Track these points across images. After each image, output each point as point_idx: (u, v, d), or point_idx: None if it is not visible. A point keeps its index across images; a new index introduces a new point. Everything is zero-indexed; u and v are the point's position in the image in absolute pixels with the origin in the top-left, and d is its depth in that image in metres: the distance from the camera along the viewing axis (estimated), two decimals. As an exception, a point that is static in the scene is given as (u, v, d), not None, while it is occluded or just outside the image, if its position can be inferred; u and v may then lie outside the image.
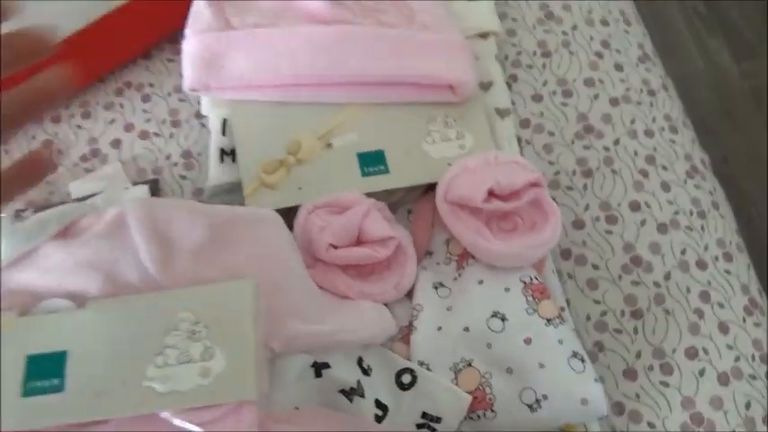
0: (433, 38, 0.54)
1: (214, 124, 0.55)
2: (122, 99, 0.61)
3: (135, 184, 0.57)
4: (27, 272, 0.37)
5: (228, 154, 0.55)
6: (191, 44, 0.52)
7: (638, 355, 0.49)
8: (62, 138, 0.60)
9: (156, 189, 0.57)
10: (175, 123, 0.60)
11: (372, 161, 0.52)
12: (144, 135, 0.60)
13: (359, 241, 0.48)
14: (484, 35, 0.58)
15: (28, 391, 0.34)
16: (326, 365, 0.39)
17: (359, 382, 0.40)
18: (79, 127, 0.61)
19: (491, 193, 0.47)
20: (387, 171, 0.51)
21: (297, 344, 0.37)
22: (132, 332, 0.35)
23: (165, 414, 0.33)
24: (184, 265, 0.37)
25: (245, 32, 0.52)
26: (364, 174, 0.51)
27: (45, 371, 0.34)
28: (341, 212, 0.49)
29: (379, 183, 0.51)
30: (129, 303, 0.36)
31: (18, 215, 0.56)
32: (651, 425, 0.47)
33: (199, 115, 0.60)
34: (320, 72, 0.53)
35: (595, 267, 0.52)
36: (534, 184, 0.48)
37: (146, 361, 0.34)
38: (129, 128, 0.60)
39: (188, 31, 0.53)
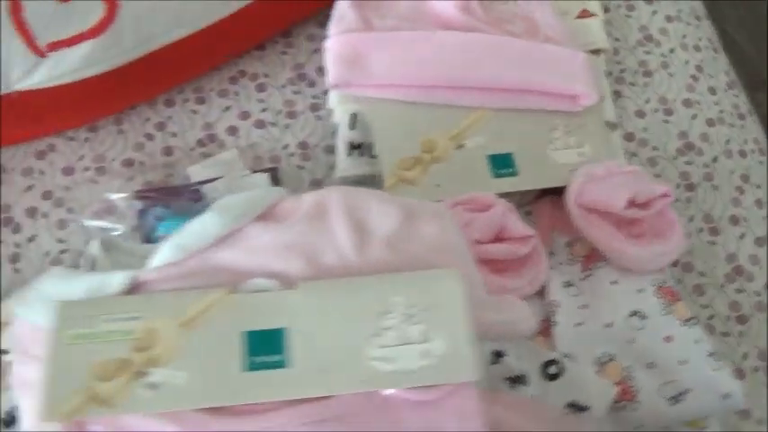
0: (559, 50, 0.56)
1: (342, 119, 0.56)
2: (237, 87, 0.62)
3: (254, 171, 0.59)
4: (232, 251, 0.37)
5: (356, 147, 0.56)
6: (335, 43, 0.54)
7: (745, 357, 0.53)
8: (176, 121, 0.61)
9: (275, 178, 0.58)
10: (291, 114, 0.61)
11: (502, 163, 0.54)
12: (260, 124, 0.61)
13: (497, 238, 0.51)
14: (595, 51, 0.61)
15: (251, 366, 0.34)
16: (503, 353, 0.41)
17: (528, 371, 0.42)
18: (194, 112, 0.61)
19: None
20: (516, 173, 0.54)
21: (487, 331, 0.39)
22: (348, 314, 0.36)
23: (388, 392, 0.35)
24: (377, 251, 0.38)
25: (387, 34, 0.54)
26: (495, 175, 0.54)
27: (266, 347, 0.35)
28: (478, 210, 0.51)
29: (509, 184, 0.54)
30: (340, 286, 0.37)
31: (139, 195, 0.56)
32: (759, 421, 0.51)
33: (314, 108, 0.61)
34: (455, 76, 0.55)
35: (701, 274, 0.55)
36: (664, 195, 0.51)
37: (365, 341, 0.35)
38: (244, 116, 0.61)
39: (332, 31, 0.54)
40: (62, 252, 0.54)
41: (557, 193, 0.55)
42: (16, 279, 0.54)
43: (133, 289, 0.37)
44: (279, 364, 0.34)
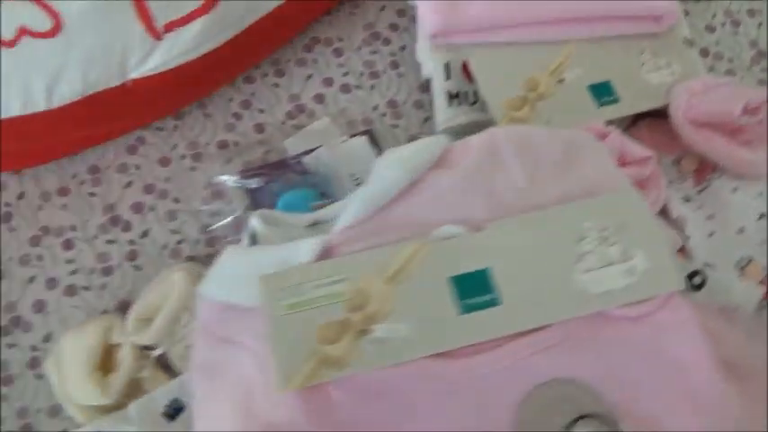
0: (637, -30, 0.57)
1: (436, 69, 0.56)
2: (314, 55, 0.61)
3: (351, 136, 0.58)
4: (414, 202, 0.38)
5: (455, 97, 0.56)
6: (430, -6, 0.53)
7: None
8: (260, 97, 0.59)
9: (373, 139, 0.58)
10: (373, 75, 0.60)
11: (603, 92, 0.55)
12: (345, 88, 0.60)
13: (619, 164, 0.52)
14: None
15: (465, 309, 0.35)
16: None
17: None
18: (276, 85, 0.60)
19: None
20: (617, 100, 0.55)
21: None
22: (544, 245, 0.36)
23: (601, 312, 0.36)
24: (548, 181, 0.39)
25: (478, -22, 0.53)
26: (599, 104, 0.54)
27: (475, 289, 0.35)
28: (596, 140, 0.52)
29: (614, 111, 0.54)
30: (529, 221, 0.37)
31: (246, 175, 0.55)
32: None
33: (394, 65, 0.61)
34: (544, 11, 0.55)
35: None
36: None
37: (569, 268, 0.36)
38: (328, 83, 0.60)
39: (428, -19, 0.54)
40: (179, 242, 0.54)
41: (648, 116, 0.57)
42: (138, 277, 0.53)
43: (323, 254, 0.37)
44: (491, 303, 0.35)
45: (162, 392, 0.49)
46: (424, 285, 0.36)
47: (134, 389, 0.50)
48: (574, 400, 0.34)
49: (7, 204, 0.54)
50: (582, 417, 0.33)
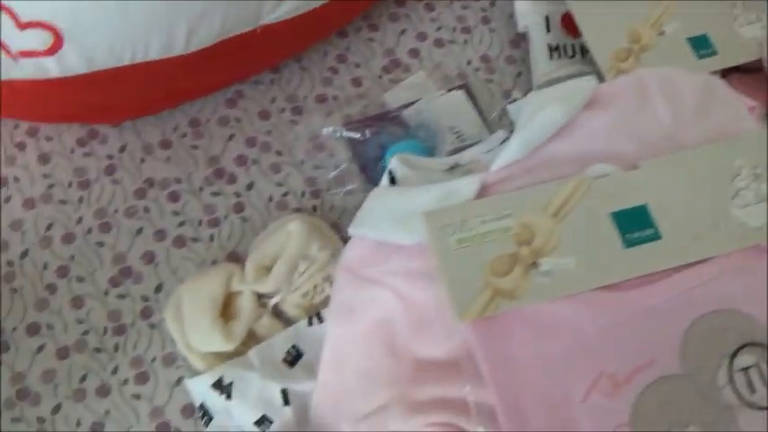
0: None
1: (536, 22, 0.56)
2: (406, 10, 0.61)
3: (449, 90, 0.58)
4: (568, 141, 0.38)
5: (555, 49, 0.57)
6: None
7: None
8: (355, 51, 0.59)
9: (470, 94, 0.58)
10: (465, 30, 0.60)
11: (702, 44, 0.55)
12: (439, 43, 0.60)
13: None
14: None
15: (628, 243, 0.36)
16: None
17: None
18: (370, 40, 0.59)
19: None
20: (715, 53, 0.55)
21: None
22: (700, 182, 0.37)
23: (758, 245, 0.36)
24: (690, 121, 0.40)
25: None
26: (698, 57, 0.55)
27: (635, 223, 0.36)
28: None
29: (713, 63, 0.55)
30: (683, 159, 0.38)
31: (349, 128, 0.55)
32: None
33: (485, 20, 0.61)
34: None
35: None
36: None
37: (726, 204, 0.37)
38: (421, 37, 0.60)
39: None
40: (284, 195, 0.54)
41: (737, 70, 0.58)
42: (246, 228, 0.53)
43: (480, 193, 0.37)
44: (653, 238, 0.36)
45: (280, 339, 0.50)
46: (586, 220, 0.37)
47: (249, 337, 0.51)
48: (736, 330, 0.35)
49: (109, 157, 0.54)
50: (744, 345, 0.35)
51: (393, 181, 0.42)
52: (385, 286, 0.39)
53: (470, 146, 0.45)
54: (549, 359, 0.34)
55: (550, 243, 0.35)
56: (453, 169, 0.42)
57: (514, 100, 0.54)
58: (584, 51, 0.56)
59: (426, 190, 0.39)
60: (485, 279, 0.34)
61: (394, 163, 0.42)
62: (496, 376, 0.33)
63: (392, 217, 0.38)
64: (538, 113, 0.39)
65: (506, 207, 0.36)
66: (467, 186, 0.38)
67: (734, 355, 0.34)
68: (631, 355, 0.34)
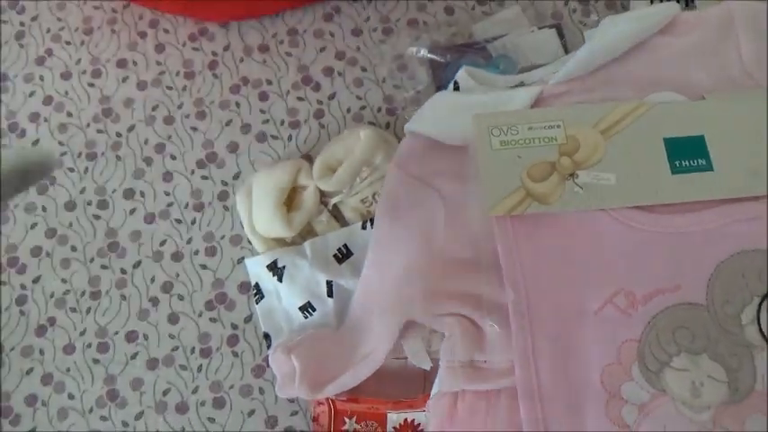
0: None
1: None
2: (508, -55, 0.61)
3: (540, 27, 0.58)
4: (636, 64, 0.38)
5: (656, -4, 0.55)
6: None
7: None
8: (452, -19, 0.61)
9: (560, 33, 0.57)
10: (566, -29, 0.60)
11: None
12: (539, -20, 0.60)
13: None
14: None
15: (676, 169, 0.35)
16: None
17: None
18: (469, -29, 0.61)
19: None
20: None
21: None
22: (761, 120, 0.36)
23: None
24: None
25: None
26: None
27: (688, 152, 0.35)
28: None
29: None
30: (751, 96, 0.36)
31: (434, 51, 0.57)
32: None
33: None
34: None
35: None
36: None
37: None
38: (519, -27, 0.60)
39: None
40: (362, 108, 0.56)
41: None
42: (323, 134, 0.56)
43: (537, 103, 0.38)
44: (704, 168, 0.35)
45: (334, 237, 0.53)
46: (636, 142, 0.36)
47: (308, 232, 0.54)
48: (773, 274, 0.33)
49: (214, 54, 0.59)
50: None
51: (457, 90, 0.43)
52: (431, 188, 0.40)
53: (539, 66, 0.44)
54: (569, 267, 0.34)
55: (594, 157, 0.35)
56: (517, 88, 0.42)
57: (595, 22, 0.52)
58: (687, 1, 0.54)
59: (484, 95, 0.39)
60: (520, 181, 0.35)
61: (461, 74, 0.43)
62: (513, 273, 0.34)
63: (447, 118, 0.39)
64: (607, 32, 0.38)
65: (556, 118, 0.36)
66: (523, 96, 0.38)
67: (765, 297, 0.33)
68: (655, 277, 0.33)
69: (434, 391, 0.38)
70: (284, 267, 0.51)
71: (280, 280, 0.51)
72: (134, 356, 0.51)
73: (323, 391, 0.42)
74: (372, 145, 0.51)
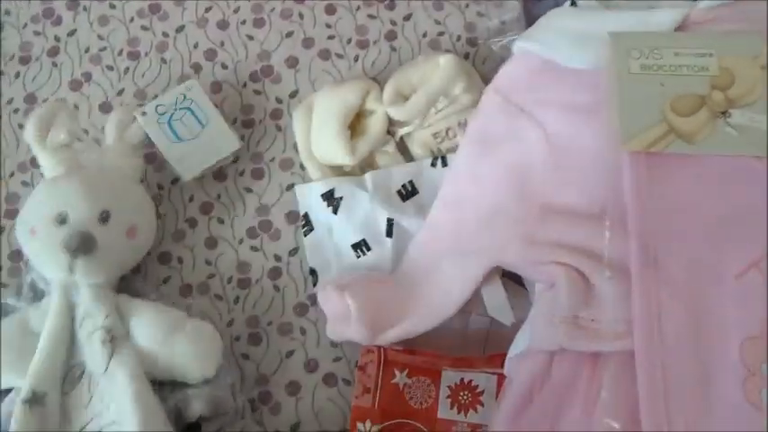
0: None
1: None
2: None
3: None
4: None
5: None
6: None
7: None
8: None
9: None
10: None
11: None
12: None
13: None
14: None
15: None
16: None
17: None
18: None
19: None
20: None
21: None
22: None
23: None
24: None
25: None
26: None
27: None
28: None
29: None
30: None
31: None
32: None
33: None
34: None
35: None
36: None
37: None
38: None
39: None
40: (440, 34, 0.49)
41: None
42: (393, 57, 0.50)
43: (682, 27, 0.32)
44: None
45: (399, 171, 0.47)
46: (803, 82, 0.31)
47: (368, 165, 0.49)
48: None
49: (278, -43, 0.53)
50: None
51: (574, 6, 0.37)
52: (533, 120, 0.35)
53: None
54: (709, 220, 0.29)
55: (751, 96, 0.30)
56: (654, 9, 0.36)
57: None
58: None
59: (618, 15, 0.34)
60: (662, 113, 0.30)
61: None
62: (641, 221, 0.29)
63: (570, 35, 0.33)
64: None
65: (709, 45, 0.31)
66: (667, 17, 0.32)
67: None
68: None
69: (517, 348, 0.33)
70: (341, 198, 0.46)
71: (335, 212, 0.46)
72: (166, 280, 0.47)
73: (382, 337, 0.37)
74: (453, 74, 0.45)
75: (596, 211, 0.31)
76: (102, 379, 0.40)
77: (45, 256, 0.42)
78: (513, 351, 0.34)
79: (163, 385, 0.40)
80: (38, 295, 0.43)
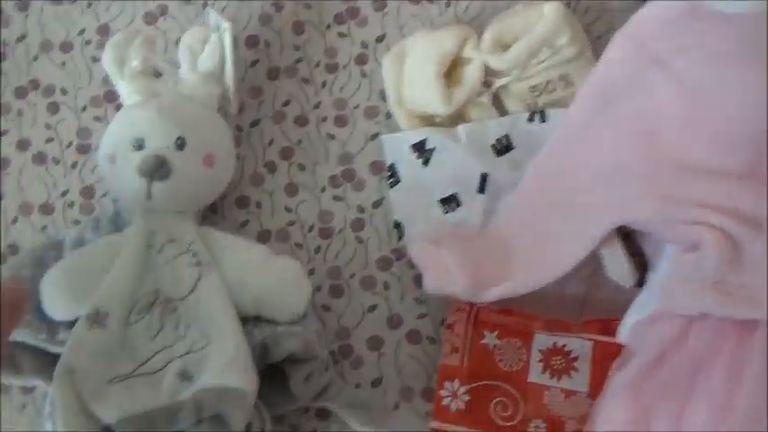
0: None
1: None
2: None
3: None
4: None
5: None
6: None
7: None
8: None
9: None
10: None
11: None
12: None
13: None
14: None
15: None
16: None
17: None
18: None
19: None
20: None
21: None
22: None
23: None
24: None
25: None
26: None
27: None
28: None
29: None
30: None
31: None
32: None
33: None
34: None
35: None
36: None
37: None
38: None
39: None
40: None
41: None
42: (487, 5, 0.47)
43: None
44: None
45: (495, 124, 0.45)
46: None
47: (459, 117, 0.46)
48: None
49: None
50: None
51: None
52: (668, 71, 0.32)
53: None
54: None
55: None
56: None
57: None
58: None
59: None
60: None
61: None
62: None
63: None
64: None
65: None
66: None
67: None
68: None
69: (641, 313, 0.32)
70: (433, 149, 0.44)
71: (425, 163, 0.44)
72: (244, 224, 0.45)
73: (485, 294, 0.36)
74: (558, 23, 0.42)
75: (745, 171, 0.29)
76: (181, 305, 0.39)
77: (124, 182, 0.41)
78: (634, 316, 0.32)
79: (246, 321, 0.39)
80: (117, 226, 0.42)
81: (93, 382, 0.37)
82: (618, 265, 0.33)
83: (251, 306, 0.39)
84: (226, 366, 0.37)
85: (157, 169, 0.40)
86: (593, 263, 0.35)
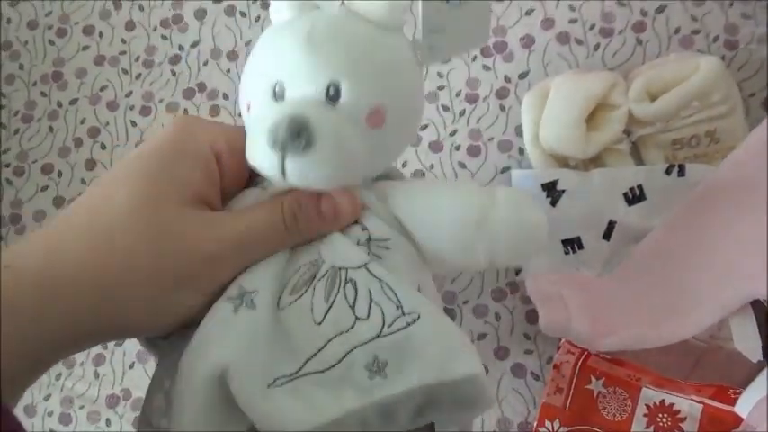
0: None
1: None
2: None
3: None
4: None
5: None
6: None
7: None
8: None
9: None
10: None
11: None
12: None
13: None
14: None
15: None
16: None
17: None
18: None
19: None
20: None
21: None
22: None
23: None
24: None
25: None
26: None
27: None
28: None
29: None
30: None
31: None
32: None
33: None
34: None
35: None
36: None
37: None
38: None
39: None
40: (694, 33, 0.45)
41: None
42: (638, 50, 0.47)
43: None
44: None
45: (630, 173, 0.42)
46: None
47: (591, 161, 0.46)
48: None
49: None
50: None
51: None
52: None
53: None
54: None
55: None
56: None
57: None
58: None
59: None
60: None
61: None
62: None
63: None
64: None
65: None
66: None
67: None
68: None
69: (760, 393, 0.31)
70: (563, 191, 0.44)
71: (553, 204, 0.44)
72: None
73: (602, 342, 0.36)
74: (714, 79, 0.41)
75: None
76: (358, 274, 0.28)
77: (256, 148, 0.28)
78: (759, 391, 0.31)
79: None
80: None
81: (251, 383, 0.26)
82: (747, 337, 0.32)
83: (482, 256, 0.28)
84: (449, 350, 0.26)
85: (293, 138, 0.27)
86: (716, 324, 0.34)
